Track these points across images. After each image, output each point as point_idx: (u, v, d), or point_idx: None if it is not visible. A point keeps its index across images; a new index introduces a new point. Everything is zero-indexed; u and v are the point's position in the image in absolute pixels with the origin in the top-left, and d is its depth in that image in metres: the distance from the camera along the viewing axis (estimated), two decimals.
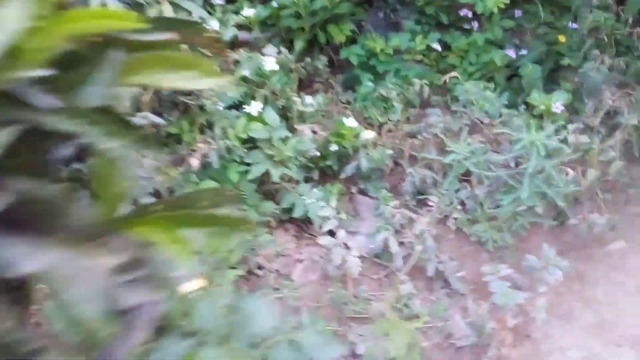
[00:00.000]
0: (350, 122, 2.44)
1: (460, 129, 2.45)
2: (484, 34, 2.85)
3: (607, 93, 2.54)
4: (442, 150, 2.45)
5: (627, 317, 2.08)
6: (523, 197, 2.02)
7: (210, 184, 2.07)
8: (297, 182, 2.36)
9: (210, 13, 2.76)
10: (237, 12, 2.78)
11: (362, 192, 2.58)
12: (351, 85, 2.98)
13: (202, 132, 2.21)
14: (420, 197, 2.43)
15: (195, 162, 2.09)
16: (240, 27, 2.74)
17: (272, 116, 2.31)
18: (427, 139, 2.48)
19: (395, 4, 3.14)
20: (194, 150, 2.11)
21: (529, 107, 2.61)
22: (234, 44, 2.65)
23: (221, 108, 2.29)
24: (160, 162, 2.03)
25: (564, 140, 2.12)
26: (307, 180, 2.50)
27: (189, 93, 2.25)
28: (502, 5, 2.71)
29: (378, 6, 3.38)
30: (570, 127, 2.17)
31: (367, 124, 2.80)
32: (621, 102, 2.39)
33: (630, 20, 2.73)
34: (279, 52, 2.57)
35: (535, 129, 2.12)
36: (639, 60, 2.71)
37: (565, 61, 2.72)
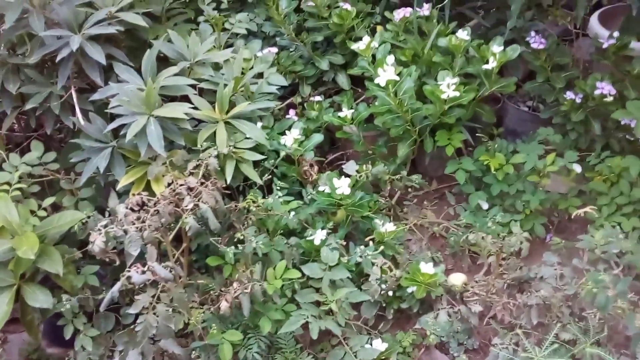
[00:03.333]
0: (427, 268, 1.99)
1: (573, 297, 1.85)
2: None
3: None
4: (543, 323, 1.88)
5: None
6: None
7: (233, 335, 1.82)
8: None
9: (304, 109, 2.53)
10: (333, 107, 2.50)
11: (442, 347, 2.11)
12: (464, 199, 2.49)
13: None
14: None
15: (224, 305, 1.84)
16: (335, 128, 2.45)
17: (327, 253, 1.98)
18: (526, 304, 1.90)
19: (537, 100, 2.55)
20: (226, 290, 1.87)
21: None
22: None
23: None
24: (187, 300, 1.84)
25: None
26: (379, 319, 2.13)
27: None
28: None
29: (523, 95, 2.80)
30: None
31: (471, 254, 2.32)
32: None
33: None
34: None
35: None
36: None
37: None
